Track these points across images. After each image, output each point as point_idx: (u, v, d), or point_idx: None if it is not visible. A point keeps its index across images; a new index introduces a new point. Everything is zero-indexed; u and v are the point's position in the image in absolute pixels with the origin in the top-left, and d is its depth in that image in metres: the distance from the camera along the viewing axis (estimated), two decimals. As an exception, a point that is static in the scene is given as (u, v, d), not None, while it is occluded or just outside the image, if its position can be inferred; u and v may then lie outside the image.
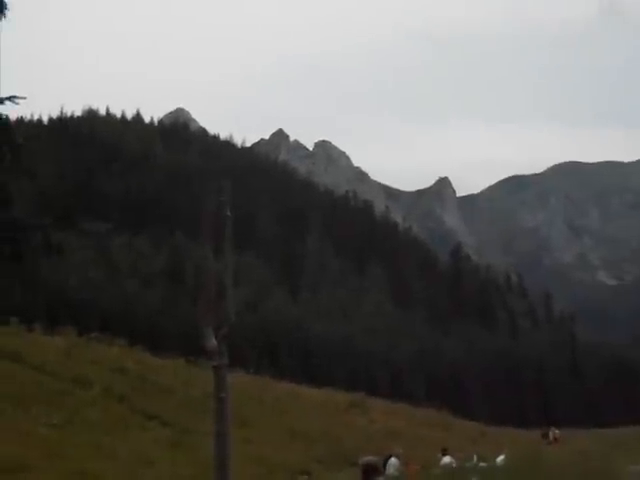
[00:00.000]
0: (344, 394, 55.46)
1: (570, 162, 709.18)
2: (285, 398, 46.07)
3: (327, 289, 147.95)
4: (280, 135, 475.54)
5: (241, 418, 32.33)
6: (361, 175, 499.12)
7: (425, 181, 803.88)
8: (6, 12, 31.61)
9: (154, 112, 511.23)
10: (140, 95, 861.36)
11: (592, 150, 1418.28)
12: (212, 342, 12.99)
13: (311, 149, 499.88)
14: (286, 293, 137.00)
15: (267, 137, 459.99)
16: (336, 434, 39.24)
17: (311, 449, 34.92)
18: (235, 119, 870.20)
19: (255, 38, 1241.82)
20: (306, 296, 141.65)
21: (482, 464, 31.95)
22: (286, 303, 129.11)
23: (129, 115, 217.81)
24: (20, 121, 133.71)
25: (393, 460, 27.70)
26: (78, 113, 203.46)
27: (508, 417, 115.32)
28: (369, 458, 12.64)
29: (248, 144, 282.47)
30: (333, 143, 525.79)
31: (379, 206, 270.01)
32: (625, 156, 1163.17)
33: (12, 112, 38.68)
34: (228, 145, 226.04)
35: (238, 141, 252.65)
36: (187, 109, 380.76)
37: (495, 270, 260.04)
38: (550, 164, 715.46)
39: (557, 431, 62.24)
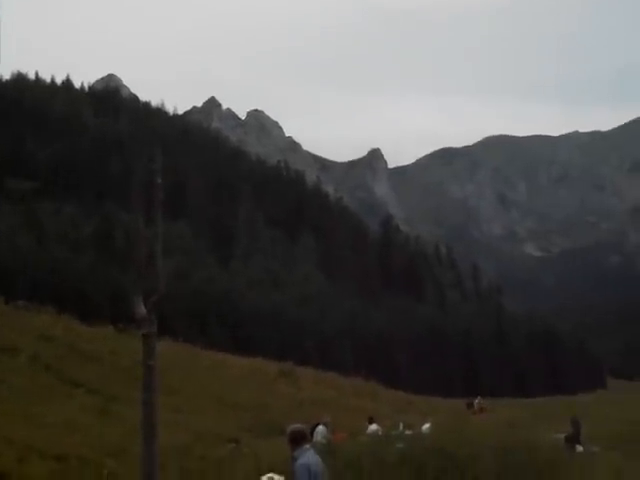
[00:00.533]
0: (273, 363, 55.75)
1: (500, 135, 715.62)
2: (214, 367, 46.15)
3: (258, 259, 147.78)
4: (212, 103, 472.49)
5: (170, 386, 32.38)
6: (293, 145, 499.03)
7: (357, 152, 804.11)
8: None
9: (85, 78, 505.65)
10: (71, 61, 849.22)
11: (523, 123, 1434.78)
12: (142, 310, 13.02)
13: (243, 118, 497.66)
14: (216, 262, 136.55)
15: (199, 105, 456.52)
16: (265, 403, 39.43)
17: (240, 418, 35.10)
18: (167, 86, 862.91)
19: (190, 4, 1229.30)
20: (236, 266, 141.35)
21: (408, 432, 32.36)
22: (216, 272, 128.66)
23: (59, 80, 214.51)
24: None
25: (320, 428, 27.96)
26: (7, 77, 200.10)
27: (435, 387, 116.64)
28: (296, 426, 12.79)
29: (180, 112, 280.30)
30: (266, 113, 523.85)
31: (311, 176, 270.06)
32: (555, 130, 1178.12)
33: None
34: (159, 112, 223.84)
35: (170, 109, 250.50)
36: (118, 75, 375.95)
37: (424, 241, 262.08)
38: (481, 137, 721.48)
39: (482, 400, 63.12)
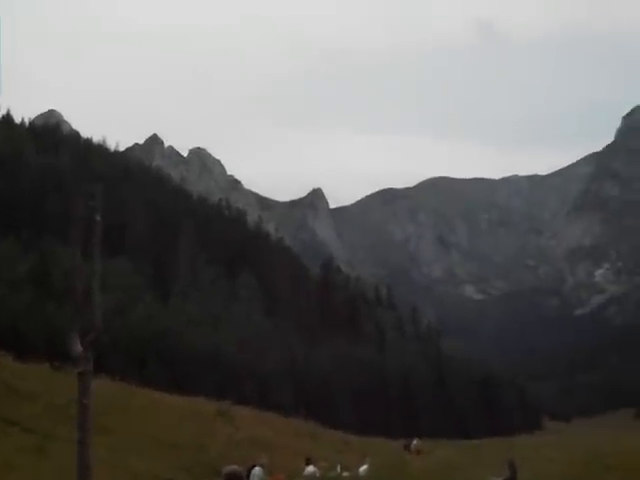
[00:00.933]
0: (211, 403, 55.30)
1: (441, 177, 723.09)
2: (151, 406, 45.65)
3: (198, 297, 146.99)
4: (154, 140, 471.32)
5: (106, 426, 31.97)
6: (235, 184, 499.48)
7: (299, 192, 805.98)
8: None
9: (25, 113, 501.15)
10: (11, 96, 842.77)
11: (463, 166, 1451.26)
12: (78, 348, 12.91)
13: (185, 156, 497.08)
14: (156, 300, 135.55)
15: (141, 142, 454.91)
16: (202, 443, 39.11)
17: (177, 458, 34.72)
18: (109, 123, 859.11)
19: (132, 41, 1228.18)
20: (176, 304, 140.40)
21: (345, 474, 32.32)
22: (155, 310, 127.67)
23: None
24: None
25: (257, 469, 27.82)
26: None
27: (374, 428, 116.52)
28: (232, 467, 12.68)
29: (121, 148, 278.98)
30: (208, 150, 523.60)
31: (252, 215, 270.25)
32: (495, 173, 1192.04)
33: None
34: (101, 149, 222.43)
35: (111, 145, 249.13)
36: (59, 111, 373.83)
37: (365, 282, 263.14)
38: (422, 178, 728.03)
39: (420, 442, 63.20)
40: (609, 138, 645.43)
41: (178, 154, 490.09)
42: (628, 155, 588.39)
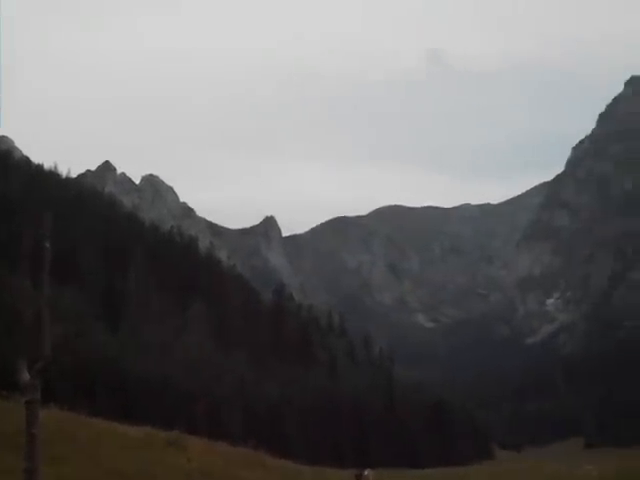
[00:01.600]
0: (161, 432, 54.79)
1: (393, 205, 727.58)
2: (100, 436, 45.11)
3: (148, 325, 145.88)
4: (107, 167, 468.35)
5: (54, 455, 31.54)
6: (187, 211, 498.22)
7: (251, 220, 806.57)
8: None
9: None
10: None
11: (415, 195, 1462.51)
12: (26, 376, 12.77)
13: (138, 183, 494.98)
14: (106, 328, 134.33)
15: (93, 169, 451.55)
16: (152, 473, 38.71)
17: (126, 488, 34.34)
18: (61, 150, 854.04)
19: (85, 67, 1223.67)
20: (126, 332, 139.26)
21: None
22: (105, 338, 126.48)
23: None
24: None
25: None
26: None
27: (325, 457, 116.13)
28: None
29: (73, 175, 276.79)
30: (161, 178, 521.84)
31: (204, 243, 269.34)
32: (446, 202, 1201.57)
33: None
34: (52, 175, 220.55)
35: (63, 172, 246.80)
36: (10, 137, 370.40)
37: (317, 310, 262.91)
38: (374, 207, 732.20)
39: (371, 471, 62.84)
40: (560, 168, 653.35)
41: (131, 181, 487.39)
42: (577, 185, 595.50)
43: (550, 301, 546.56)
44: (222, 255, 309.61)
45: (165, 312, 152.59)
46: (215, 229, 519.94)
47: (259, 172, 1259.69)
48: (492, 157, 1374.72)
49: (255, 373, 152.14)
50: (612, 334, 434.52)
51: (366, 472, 62.49)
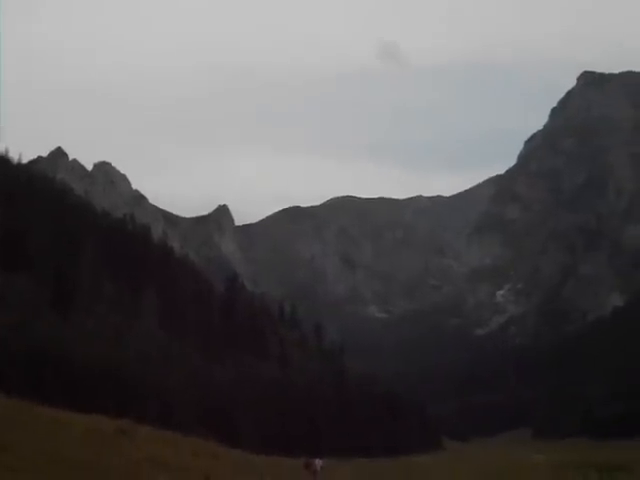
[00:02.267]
0: (112, 421, 54.66)
1: (347, 197, 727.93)
2: (50, 424, 44.93)
3: (99, 312, 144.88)
4: (59, 154, 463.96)
5: (2, 443, 31.41)
6: (140, 199, 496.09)
7: (204, 208, 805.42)
8: None
9: None
10: None
11: (369, 186, 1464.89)
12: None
13: (90, 170, 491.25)
14: (56, 316, 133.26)
15: (45, 155, 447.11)
16: (102, 461, 38.62)
17: (76, 477, 34.19)
18: (12, 135, 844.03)
19: (38, 54, 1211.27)
20: (77, 319, 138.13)
21: None
22: (56, 325, 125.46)
23: None
24: None
25: None
26: None
27: (276, 446, 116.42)
28: None
29: (25, 161, 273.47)
30: (113, 165, 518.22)
31: (156, 231, 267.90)
32: (400, 193, 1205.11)
33: None
34: (2, 161, 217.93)
35: (14, 157, 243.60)
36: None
37: (269, 299, 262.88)
38: (328, 197, 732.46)
39: (321, 461, 63.15)
40: (512, 162, 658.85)
41: (83, 168, 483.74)
42: (529, 178, 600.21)
43: (500, 293, 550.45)
44: (175, 244, 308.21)
45: (117, 300, 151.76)
46: (168, 217, 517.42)
47: (213, 162, 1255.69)
48: (445, 150, 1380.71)
49: (206, 362, 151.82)
50: (561, 327, 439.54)
51: (317, 461, 62.79)
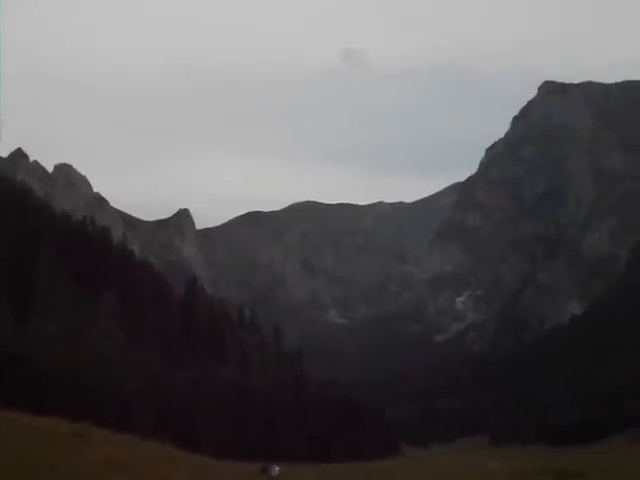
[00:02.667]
0: (68, 423, 54.16)
1: (308, 202, 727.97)
2: (7, 426, 44.42)
3: (59, 315, 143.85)
4: (19, 155, 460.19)
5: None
6: (100, 202, 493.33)
7: (165, 212, 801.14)
8: None
9: None
10: None
11: (329, 192, 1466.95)
12: None
13: (51, 172, 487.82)
14: (15, 318, 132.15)
15: (5, 156, 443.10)
16: (57, 464, 38.26)
17: (30, 479, 33.84)
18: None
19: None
20: (36, 321, 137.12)
21: None
22: (14, 327, 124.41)
23: None
24: None
25: None
26: None
27: (235, 450, 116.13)
28: None
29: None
30: (74, 167, 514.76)
31: (117, 234, 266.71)
32: (360, 199, 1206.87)
33: None
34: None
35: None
36: None
37: (229, 304, 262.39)
38: (288, 202, 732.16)
39: (277, 467, 63.13)
40: (473, 169, 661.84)
41: (44, 170, 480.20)
42: (490, 186, 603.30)
43: (460, 300, 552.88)
44: (135, 247, 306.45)
45: (76, 302, 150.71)
46: (128, 221, 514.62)
47: (174, 165, 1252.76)
48: (407, 156, 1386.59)
49: (166, 366, 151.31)
50: (520, 334, 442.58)
51: (273, 467, 62.74)
